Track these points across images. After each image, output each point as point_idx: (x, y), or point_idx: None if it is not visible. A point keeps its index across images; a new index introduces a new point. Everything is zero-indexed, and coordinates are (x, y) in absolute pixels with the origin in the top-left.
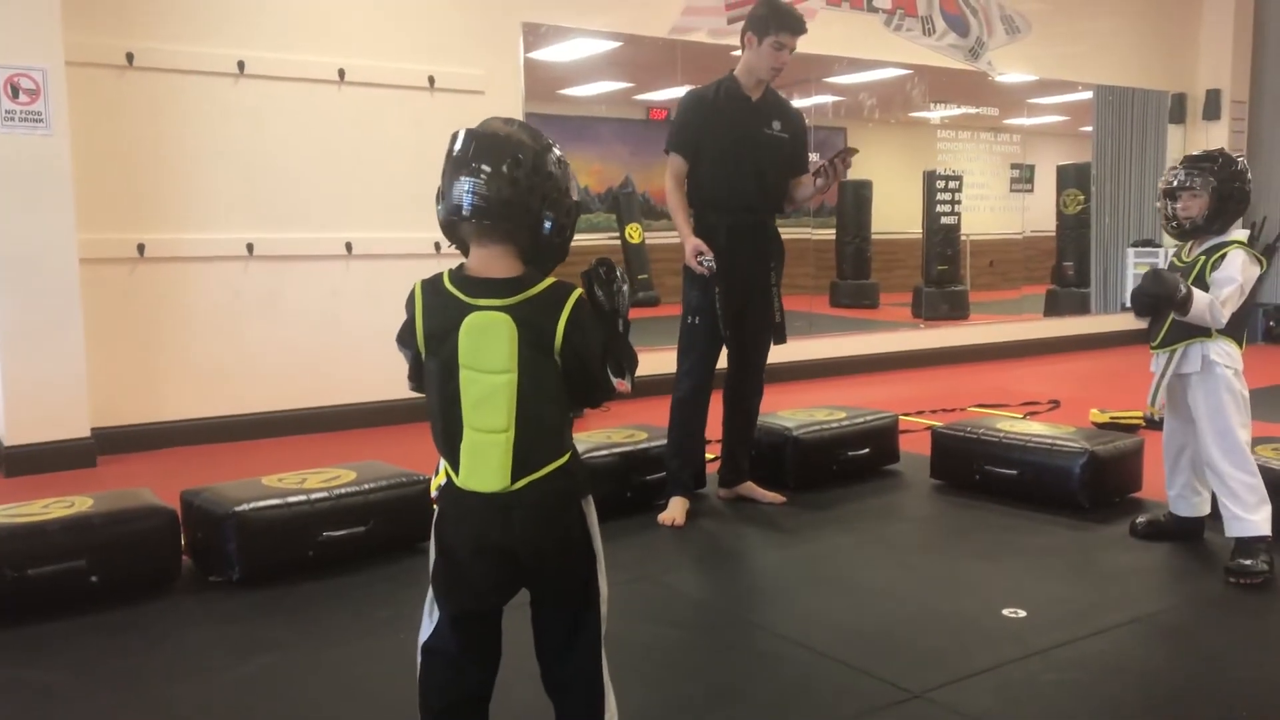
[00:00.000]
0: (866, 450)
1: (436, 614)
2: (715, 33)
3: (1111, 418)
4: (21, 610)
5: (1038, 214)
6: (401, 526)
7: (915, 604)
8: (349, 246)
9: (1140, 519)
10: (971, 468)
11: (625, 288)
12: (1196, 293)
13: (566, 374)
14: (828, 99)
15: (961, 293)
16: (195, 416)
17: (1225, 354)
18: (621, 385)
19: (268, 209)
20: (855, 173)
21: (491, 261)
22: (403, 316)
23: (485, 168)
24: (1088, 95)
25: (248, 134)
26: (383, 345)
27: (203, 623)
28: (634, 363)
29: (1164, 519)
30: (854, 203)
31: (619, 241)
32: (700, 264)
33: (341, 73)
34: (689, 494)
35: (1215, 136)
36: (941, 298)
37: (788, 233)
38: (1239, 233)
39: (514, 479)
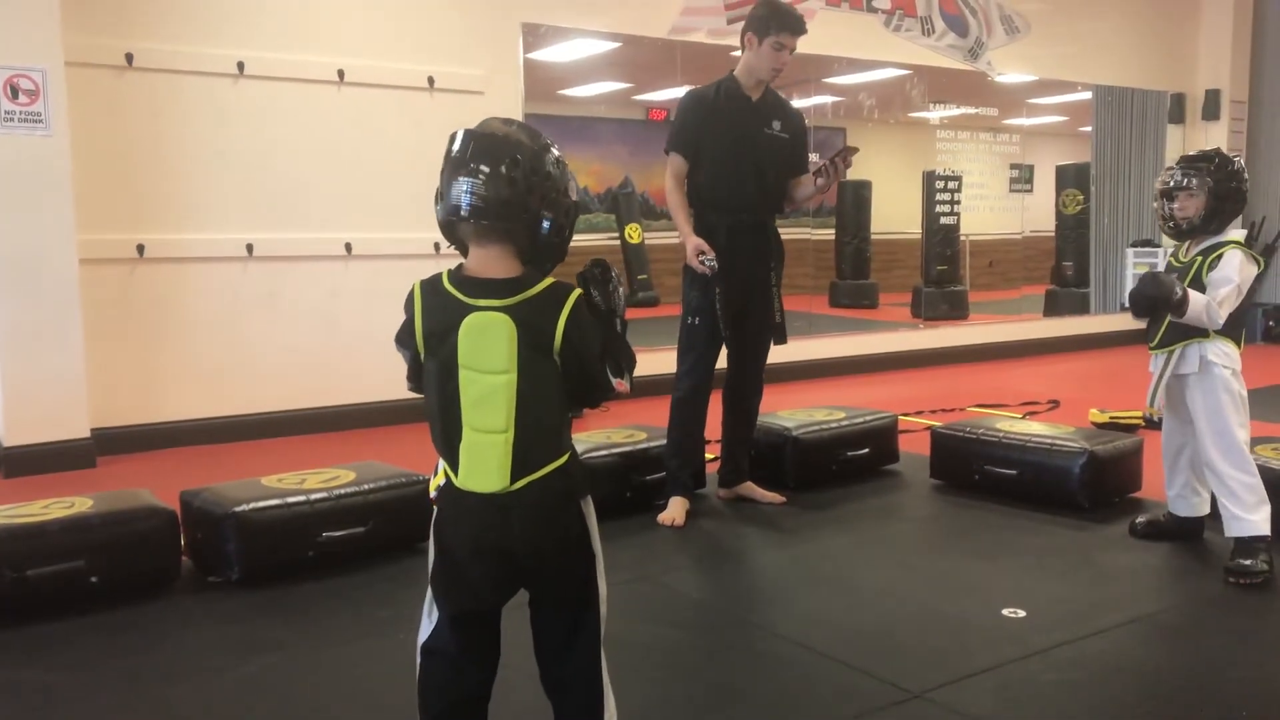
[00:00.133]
0: (866, 450)
1: (435, 614)
2: (715, 33)
3: (1111, 418)
4: (21, 610)
5: (1037, 214)
6: (401, 527)
7: (915, 604)
8: (348, 247)
9: (1140, 519)
10: (971, 468)
11: (620, 290)
12: (1192, 294)
13: (566, 374)
14: (827, 99)
15: (961, 293)
16: (195, 417)
17: (1223, 354)
18: (620, 385)
19: (267, 209)
20: (855, 173)
21: (490, 262)
22: (402, 317)
23: (484, 168)
24: (1087, 95)
25: (247, 134)
26: (382, 345)
27: (202, 623)
28: (632, 363)
29: (1163, 519)
30: (853, 203)
31: (618, 242)
32: (702, 263)
33: (341, 73)
34: (688, 494)
35: (1214, 136)
36: (941, 298)
37: (787, 233)
38: (1236, 233)
39: (513, 479)
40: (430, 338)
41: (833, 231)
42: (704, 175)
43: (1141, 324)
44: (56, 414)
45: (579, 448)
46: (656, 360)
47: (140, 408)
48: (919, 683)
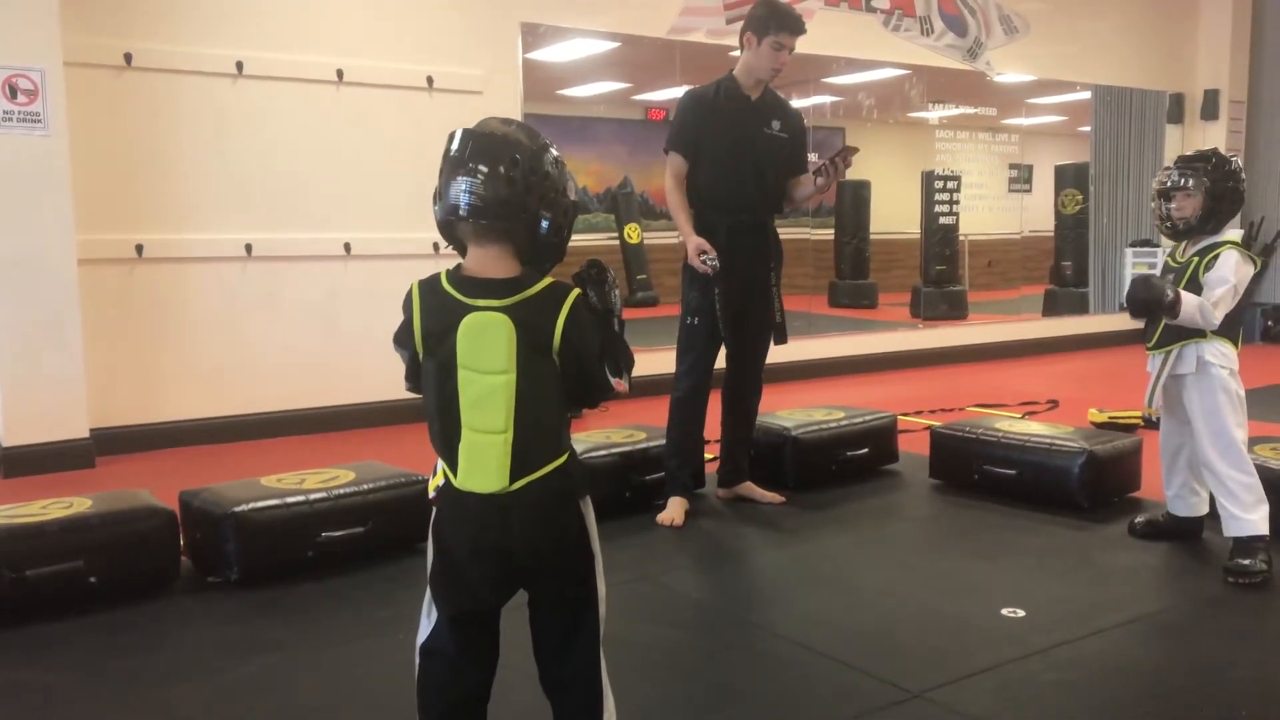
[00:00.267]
0: (865, 450)
1: (435, 614)
2: (714, 33)
3: (1110, 417)
4: (21, 611)
5: (1036, 214)
6: (400, 527)
7: (915, 604)
8: (347, 247)
9: (1139, 519)
10: (970, 468)
11: (617, 290)
12: (1185, 296)
13: (565, 374)
14: (826, 99)
15: (960, 293)
16: (194, 417)
17: (1220, 354)
18: (619, 385)
19: (266, 209)
20: (854, 173)
21: (489, 262)
22: (401, 317)
23: (482, 168)
24: (1086, 95)
25: (246, 134)
26: (381, 345)
27: (202, 623)
28: (631, 362)
29: (1162, 519)
30: (853, 203)
31: (618, 242)
32: (704, 262)
33: (340, 73)
34: (688, 494)
35: (1213, 136)
36: (940, 298)
37: (786, 233)
38: (1233, 233)
39: (512, 479)
40: (429, 338)
41: (832, 231)
42: (703, 175)
43: (1139, 324)
44: (56, 414)
45: (578, 448)
46: (656, 360)
47: (139, 408)
48: (919, 683)
